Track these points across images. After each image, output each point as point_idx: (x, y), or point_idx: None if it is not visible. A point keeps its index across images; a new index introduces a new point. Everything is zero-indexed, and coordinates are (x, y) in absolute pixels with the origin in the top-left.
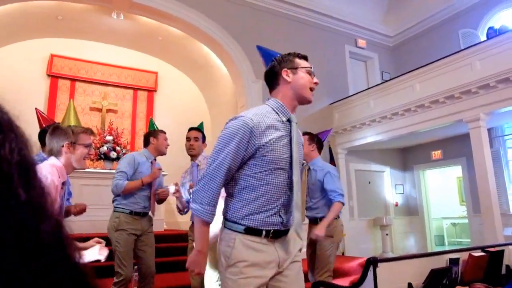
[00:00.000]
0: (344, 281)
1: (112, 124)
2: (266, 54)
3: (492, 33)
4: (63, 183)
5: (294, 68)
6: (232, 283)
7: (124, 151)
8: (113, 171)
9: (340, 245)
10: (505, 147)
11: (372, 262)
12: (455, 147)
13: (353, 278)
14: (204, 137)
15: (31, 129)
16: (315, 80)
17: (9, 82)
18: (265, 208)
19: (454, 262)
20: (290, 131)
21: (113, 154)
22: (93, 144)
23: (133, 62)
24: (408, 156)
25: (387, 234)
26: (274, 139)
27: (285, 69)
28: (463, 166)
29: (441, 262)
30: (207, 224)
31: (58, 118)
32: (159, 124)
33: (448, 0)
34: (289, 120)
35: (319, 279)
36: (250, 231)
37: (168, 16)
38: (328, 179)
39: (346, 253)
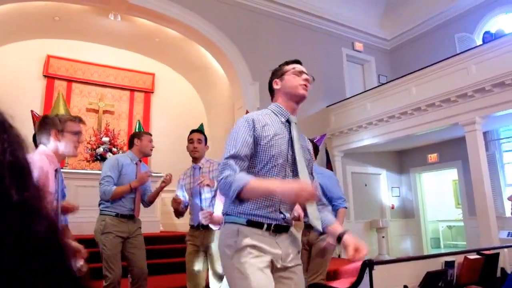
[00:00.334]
0: (340, 284)
1: (109, 125)
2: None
3: (488, 38)
4: (56, 170)
5: (281, 76)
6: (241, 266)
7: (120, 152)
8: None
9: (336, 248)
10: (500, 151)
11: (368, 265)
12: (451, 150)
13: (349, 280)
14: (206, 139)
15: (26, 130)
16: (304, 76)
17: (5, 83)
18: (265, 204)
19: (449, 264)
20: (290, 130)
21: (110, 156)
22: (83, 132)
23: (130, 64)
24: (404, 159)
25: (383, 237)
26: (273, 135)
27: (275, 80)
28: (459, 169)
29: (436, 264)
30: (251, 182)
31: None
32: (156, 125)
33: (444, 4)
34: (288, 121)
35: (312, 282)
36: (252, 223)
37: (165, 18)
38: (333, 185)
39: (342, 255)
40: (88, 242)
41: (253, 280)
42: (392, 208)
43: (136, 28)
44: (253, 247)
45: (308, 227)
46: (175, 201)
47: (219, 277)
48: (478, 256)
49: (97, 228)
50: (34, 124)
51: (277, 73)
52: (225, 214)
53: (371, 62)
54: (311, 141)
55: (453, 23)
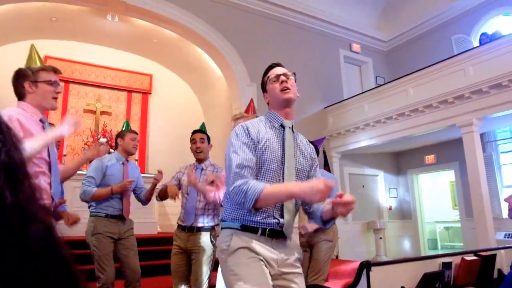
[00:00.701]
0: (338, 285)
1: (106, 126)
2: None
3: (485, 39)
4: (42, 121)
5: (265, 88)
6: (236, 266)
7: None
8: None
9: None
10: (497, 152)
11: (366, 266)
12: (448, 151)
13: (347, 281)
14: (209, 139)
15: None
16: (280, 79)
17: (2, 83)
18: (259, 210)
19: (446, 266)
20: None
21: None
22: (60, 83)
23: (128, 64)
24: (401, 160)
25: (380, 238)
26: (266, 140)
27: (263, 94)
28: (456, 171)
29: (434, 266)
30: (267, 187)
31: (51, 120)
32: (154, 126)
33: (441, 6)
34: (283, 126)
35: (313, 283)
36: (246, 228)
37: (163, 18)
38: (333, 190)
39: (339, 256)
40: (83, 243)
41: (247, 276)
42: (390, 209)
43: (134, 29)
44: (247, 248)
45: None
46: (174, 191)
47: (202, 282)
48: (475, 257)
49: (88, 229)
50: None
51: (263, 87)
52: (221, 220)
53: (368, 63)
54: (311, 142)
55: (450, 25)
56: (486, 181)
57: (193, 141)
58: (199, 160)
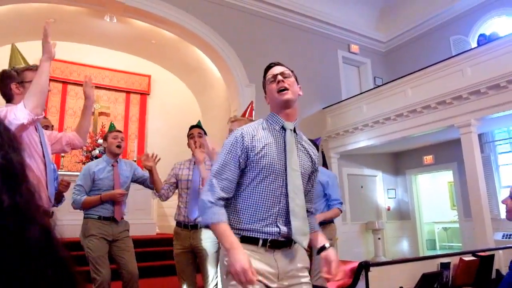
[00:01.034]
0: (336, 285)
1: (104, 127)
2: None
3: (483, 40)
4: (34, 122)
5: (265, 90)
6: (232, 287)
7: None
8: None
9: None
10: (495, 153)
11: (364, 266)
12: (447, 152)
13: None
14: (205, 133)
15: None
16: (277, 79)
17: None
18: (259, 217)
19: (445, 266)
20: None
21: None
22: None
23: (126, 65)
24: (400, 160)
25: (379, 238)
26: (264, 145)
27: (265, 96)
28: (454, 171)
29: (432, 266)
30: (219, 225)
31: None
32: (152, 127)
33: (440, 7)
34: (284, 128)
35: (315, 282)
36: (246, 239)
37: (162, 19)
38: (333, 185)
39: (338, 257)
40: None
41: None
42: (388, 209)
43: (132, 30)
44: None
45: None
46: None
47: (211, 279)
48: (473, 258)
49: (82, 232)
50: None
51: (264, 89)
52: None
53: (367, 64)
54: (312, 141)
55: (448, 26)
56: (484, 181)
57: (190, 135)
58: None
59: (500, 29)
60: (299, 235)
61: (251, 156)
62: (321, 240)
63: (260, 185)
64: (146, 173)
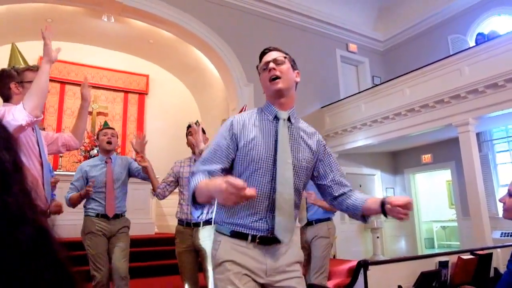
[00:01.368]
0: (335, 284)
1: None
2: None
3: (481, 39)
4: (33, 124)
5: (260, 77)
6: (220, 282)
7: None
8: None
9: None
10: (493, 151)
11: (363, 265)
12: (445, 151)
13: (344, 280)
14: (203, 131)
15: None
16: (269, 66)
17: None
18: (248, 212)
19: (443, 265)
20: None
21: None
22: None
23: (124, 65)
24: (398, 159)
25: (378, 237)
26: (254, 136)
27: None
28: (453, 170)
29: (430, 265)
30: (200, 183)
31: (47, 121)
32: (151, 127)
33: (438, 6)
34: (277, 118)
35: (315, 280)
36: (236, 234)
37: (160, 19)
38: None
39: (337, 256)
40: (81, 244)
41: None
42: None
43: (130, 29)
44: (231, 262)
45: (309, 223)
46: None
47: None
48: (471, 256)
49: (82, 229)
50: None
51: (259, 74)
52: (214, 221)
53: (365, 63)
54: None
55: (447, 25)
56: (482, 180)
57: (189, 133)
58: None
59: (498, 28)
60: (282, 230)
61: (240, 146)
62: (373, 202)
63: (249, 178)
64: (139, 166)
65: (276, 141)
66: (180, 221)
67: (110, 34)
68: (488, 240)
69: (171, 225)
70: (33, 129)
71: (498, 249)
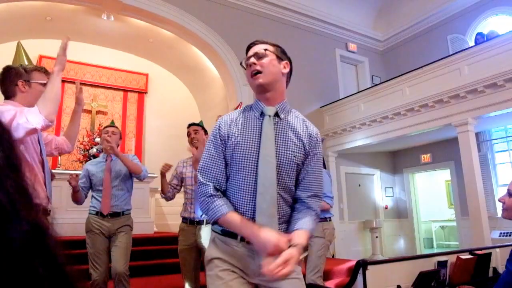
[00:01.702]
0: (334, 284)
1: (102, 126)
2: None
3: (480, 39)
4: (47, 128)
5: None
6: (210, 278)
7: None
8: None
9: (330, 248)
10: (492, 151)
11: (362, 265)
12: (444, 151)
13: (343, 280)
14: (205, 130)
15: None
16: (250, 62)
17: None
18: (238, 212)
19: (442, 264)
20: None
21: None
22: None
23: (124, 64)
24: (397, 159)
25: (376, 237)
26: (239, 135)
27: None
28: (452, 170)
29: (429, 264)
30: (224, 216)
31: None
32: (150, 126)
33: (437, 6)
34: (264, 114)
35: (311, 278)
36: (226, 233)
37: (160, 18)
38: (326, 182)
39: (336, 255)
40: (81, 243)
41: None
42: (386, 208)
43: (130, 28)
44: (220, 259)
45: None
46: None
47: None
48: (470, 256)
49: (84, 228)
50: None
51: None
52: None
53: (364, 63)
54: None
55: (446, 25)
56: (481, 180)
57: (188, 134)
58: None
59: (498, 28)
60: None
61: (227, 145)
62: (293, 238)
63: (236, 177)
64: (138, 162)
65: (259, 138)
66: (184, 219)
67: (109, 32)
68: (487, 240)
69: (170, 224)
70: None
71: (497, 249)
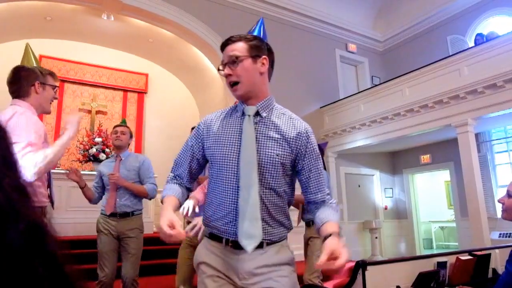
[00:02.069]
0: (333, 284)
1: (102, 125)
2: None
3: (480, 40)
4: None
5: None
6: (198, 284)
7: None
8: None
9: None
10: (492, 152)
11: (361, 265)
12: (444, 151)
13: (342, 281)
14: None
15: None
16: (224, 73)
17: None
18: (219, 215)
19: (441, 265)
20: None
21: (102, 156)
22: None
23: (123, 64)
24: (397, 160)
25: (376, 237)
26: (219, 135)
27: None
28: (451, 171)
29: (429, 265)
30: (164, 199)
31: (46, 119)
32: (150, 126)
33: (437, 6)
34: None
35: (308, 278)
36: (213, 236)
37: (159, 18)
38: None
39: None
40: (81, 242)
41: None
42: (385, 209)
43: (130, 28)
44: (206, 264)
45: (307, 224)
46: None
47: None
48: (470, 257)
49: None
50: None
51: None
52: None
53: (364, 63)
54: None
55: (446, 25)
56: (481, 181)
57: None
58: None
59: (498, 28)
60: (244, 237)
61: (206, 145)
62: (325, 229)
63: (218, 179)
64: (149, 178)
65: (240, 138)
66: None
67: (109, 32)
68: (486, 241)
69: None
70: None
71: (497, 250)
